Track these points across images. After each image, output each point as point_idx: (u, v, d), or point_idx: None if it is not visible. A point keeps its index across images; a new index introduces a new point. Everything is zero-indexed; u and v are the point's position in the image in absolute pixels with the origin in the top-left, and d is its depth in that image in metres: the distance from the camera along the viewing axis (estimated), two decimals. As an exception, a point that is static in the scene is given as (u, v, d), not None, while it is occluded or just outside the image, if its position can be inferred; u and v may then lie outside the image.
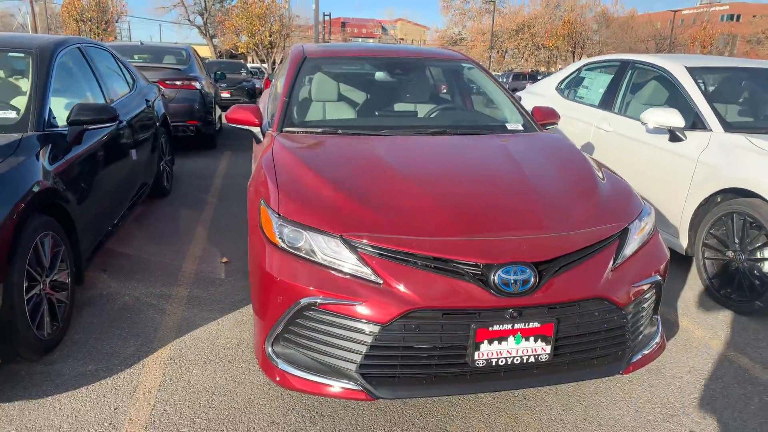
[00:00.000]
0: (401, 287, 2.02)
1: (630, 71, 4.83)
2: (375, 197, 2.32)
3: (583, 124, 5.09)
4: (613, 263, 2.24)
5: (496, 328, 2.04)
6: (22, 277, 2.49)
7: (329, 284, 2.07)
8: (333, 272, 2.09)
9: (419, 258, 2.07)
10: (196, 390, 2.50)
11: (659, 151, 4.07)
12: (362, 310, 2.02)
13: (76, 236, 3.07)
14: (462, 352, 2.06)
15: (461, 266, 2.05)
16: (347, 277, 2.08)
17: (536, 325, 2.07)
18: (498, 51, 53.90)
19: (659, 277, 2.38)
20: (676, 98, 4.20)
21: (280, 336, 2.18)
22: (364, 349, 2.04)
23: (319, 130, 3.15)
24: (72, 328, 2.99)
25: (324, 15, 60.92)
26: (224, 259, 3.97)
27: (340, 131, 3.12)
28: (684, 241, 3.85)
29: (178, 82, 7.22)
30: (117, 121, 3.64)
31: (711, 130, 3.76)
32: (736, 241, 3.42)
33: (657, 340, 2.46)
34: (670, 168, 3.94)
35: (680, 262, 4.13)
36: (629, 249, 2.33)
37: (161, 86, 6.96)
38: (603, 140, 4.78)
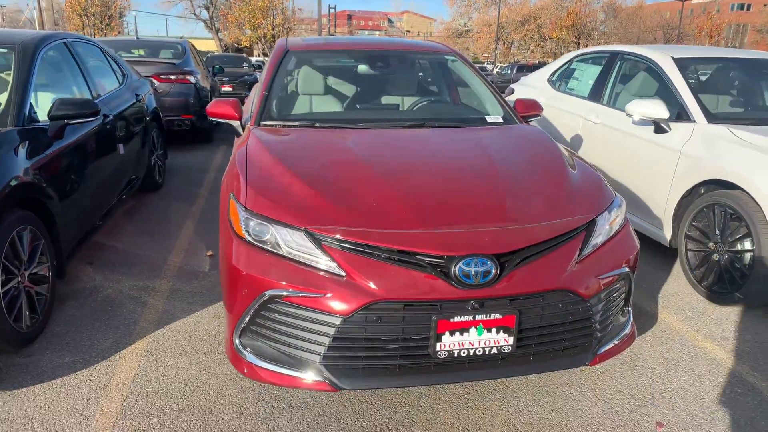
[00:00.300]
0: (363, 280, 2.04)
1: (619, 62, 4.80)
2: (342, 190, 2.33)
3: (572, 116, 5.07)
4: (579, 255, 2.24)
5: (457, 319, 2.06)
6: (-2, 274, 2.53)
7: (293, 277, 2.09)
8: (297, 265, 2.11)
9: (381, 250, 2.08)
10: (169, 381, 2.53)
11: (644, 143, 4.05)
12: (325, 302, 2.04)
13: (57, 231, 3.10)
14: (425, 344, 2.07)
15: (423, 258, 2.07)
16: (311, 269, 2.09)
17: (498, 316, 2.08)
18: (504, 42, 53.61)
19: (627, 269, 2.38)
20: (663, 89, 4.17)
21: (247, 328, 2.20)
22: (327, 340, 2.06)
23: (297, 123, 3.16)
24: (53, 321, 3.03)
25: (329, 8, 60.81)
26: (209, 252, 4.00)
27: (317, 124, 3.13)
28: (668, 233, 3.84)
29: (172, 77, 7.25)
30: (101, 116, 3.68)
31: (694, 122, 3.74)
32: (717, 232, 3.41)
33: (627, 331, 2.47)
34: (655, 159, 3.93)
35: (664, 254, 4.12)
36: (596, 241, 2.33)
37: (156, 80, 7.01)
38: (591, 132, 4.76)
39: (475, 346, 2.10)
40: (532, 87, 6.11)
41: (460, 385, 2.53)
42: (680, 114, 3.88)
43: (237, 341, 2.23)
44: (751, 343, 3.00)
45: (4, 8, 65.03)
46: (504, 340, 2.12)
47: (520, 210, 2.29)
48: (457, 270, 2.04)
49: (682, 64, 4.16)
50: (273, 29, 22.80)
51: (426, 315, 2.04)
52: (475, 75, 3.78)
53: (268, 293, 2.09)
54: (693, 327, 3.15)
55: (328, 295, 2.03)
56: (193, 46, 8.96)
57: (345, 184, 2.38)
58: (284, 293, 2.07)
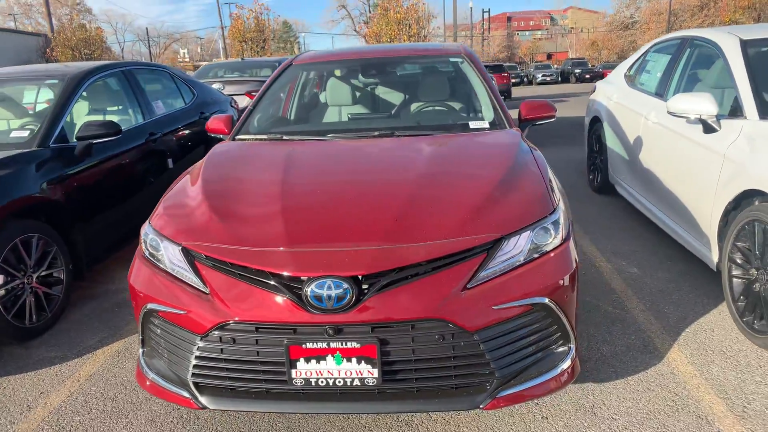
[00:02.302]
0: (221, 298, 2.00)
1: (688, 50, 4.08)
2: (234, 207, 2.30)
3: (636, 115, 4.42)
4: (471, 279, 1.96)
5: (310, 345, 1.92)
6: (-6, 275, 2.93)
7: (166, 292, 2.12)
8: (173, 281, 2.13)
9: (241, 269, 2.02)
10: (114, 382, 2.72)
11: (693, 146, 3.39)
12: (186, 319, 2.04)
13: (74, 238, 3.51)
14: (282, 369, 1.97)
15: (277, 279, 1.96)
16: (183, 286, 2.10)
17: (356, 345, 1.90)
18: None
19: (547, 300, 2.02)
20: (725, 80, 3.46)
21: (143, 341, 2.29)
22: (192, 358, 2.05)
23: (266, 137, 3.19)
24: (65, 318, 3.42)
25: (483, 12, 60.29)
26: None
27: (284, 137, 3.14)
28: (714, 255, 3.16)
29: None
30: (146, 134, 4.15)
31: (745, 118, 3.04)
32: (758, 255, 2.72)
33: (560, 370, 2.09)
34: (702, 166, 3.26)
35: (717, 280, 3.39)
36: (503, 263, 2.01)
37: (248, 98, 7.55)
38: (649, 134, 4.10)
39: (335, 375, 1.94)
40: (611, 83, 5.46)
41: (389, 418, 2.35)
42: (735, 109, 3.18)
43: (140, 353, 2.32)
44: (776, 400, 2.34)
45: (202, 39, 75.28)
46: (367, 372, 1.93)
47: (405, 228, 2.05)
48: (309, 292, 1.90)
49: (751, 47, 3.40)
50: (408, 39, 23.10)
51: (278, 339, 1.94)
52: (477, 77, 3.48)
53: (148, 306, 2.15)
54: (705, 374, 2.55)
55: (189, 312, 2.03)
56: None
57: (243, 200, 2.35)
58: (156, 308, 2.12)
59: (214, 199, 2.37)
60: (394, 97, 3.58)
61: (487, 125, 3.09)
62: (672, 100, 3.35)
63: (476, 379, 1.99)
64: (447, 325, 1.90)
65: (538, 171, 2.47)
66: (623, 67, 5.36)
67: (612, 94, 5.16)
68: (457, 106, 3.52)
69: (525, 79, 42.58)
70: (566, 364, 2.12)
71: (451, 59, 3.71)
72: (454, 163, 2.56)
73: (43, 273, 3.27)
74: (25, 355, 3.04)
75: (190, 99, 5.49)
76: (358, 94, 3.69)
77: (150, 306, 2.14)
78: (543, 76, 40.76)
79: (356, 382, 1.94)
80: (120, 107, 4.49)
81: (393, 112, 3.48)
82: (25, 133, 3.58)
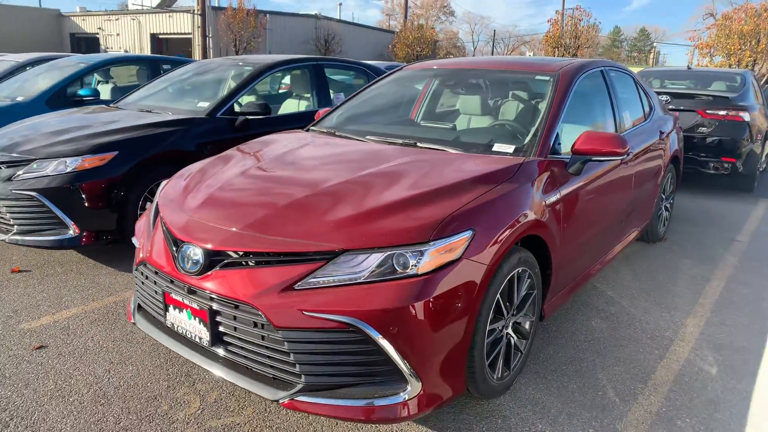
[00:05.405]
0: (152, 243, 2.54)
1: None
2: (202, 180, 2.77)
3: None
4: (299, 281, 2.05)
5: (175, 297, 2.31)
6: (138, 203, 4.06)
7: (139, 233, 2.77)
8: (147, 226, 2.76)
9: (164, 224, 2.52)
10: (110, 307, 3.50)
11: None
12: (137, 252, 2.65)
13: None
14: (165, 309, 2.41)
15: (172, 236, 2.39)
16: (147, 230, 2.71)
17: (196, 307, 2.22)
18: None
19: (365, 325, 1.96)
20: None
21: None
22: (136, 283, 2.67)
23: (325, 130, 3.54)
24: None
25: None
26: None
27: (336, 133, 3.45)
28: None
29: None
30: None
31: None
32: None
33: (375, 406, 2.03)
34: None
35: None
36: (341, 275, 2.03)
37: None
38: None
39: (186, 327, 2.30)
40: None
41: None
42: None
43: None
44: None
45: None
46: (204, 333, 2.23)
47: (274, 221, 2.22)
48: (180, 252, 2.29)
49: None
50: (751, 56, 18.79)
51: (162, 284, 2.38)
52: (548, 100, 3.13)
53: (132, 239, 2.84)
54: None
55: (138, 248, 2.64)
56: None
57: (210, 176, 2.79)
58: (134, 242, 2.78)
59: (199, 172, 2.91)
60: (465, 109, 3.50)
61: (510, 150, 2.85)
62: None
63: (286, 375, 2.09)
64: (258, 314, 2.06)
65: (458, 202, 2.26)
66: None
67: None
68: (510, 127, 3.24)
69: None
70: (388, 402, 2.03)
71: (538, 77, 3.39)
72: (396, 178, 2.51)
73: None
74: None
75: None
76: (435, 102, 3.71)
77: (132, 239, 2.83)
78: None
79: (196, 338, 2.27)
80: (301, 94, 5.39)
81: (452, 124, 3.42)
82: (206, 104, 4.72)
